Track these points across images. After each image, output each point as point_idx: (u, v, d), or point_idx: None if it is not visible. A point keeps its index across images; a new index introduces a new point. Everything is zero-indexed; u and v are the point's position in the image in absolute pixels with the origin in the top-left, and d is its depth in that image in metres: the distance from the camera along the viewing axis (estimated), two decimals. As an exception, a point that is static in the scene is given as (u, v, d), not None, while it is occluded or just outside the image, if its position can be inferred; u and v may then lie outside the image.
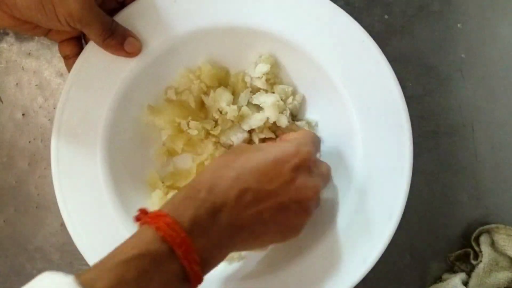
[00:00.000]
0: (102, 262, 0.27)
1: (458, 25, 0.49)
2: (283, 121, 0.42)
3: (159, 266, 0.27)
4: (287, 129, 0.44)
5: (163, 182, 0.44)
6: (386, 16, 0.49)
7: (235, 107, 0.42)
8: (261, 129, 0.43)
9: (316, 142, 0.38)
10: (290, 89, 0.44)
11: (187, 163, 0.45)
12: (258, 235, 0.32)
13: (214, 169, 0.32)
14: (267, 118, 0.42)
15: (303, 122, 0.44)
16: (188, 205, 0.29)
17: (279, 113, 0.43)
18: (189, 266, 0.28)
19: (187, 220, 0.29)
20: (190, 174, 0.45)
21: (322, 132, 0.44)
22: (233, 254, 0.41)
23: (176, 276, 0.28)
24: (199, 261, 0.29)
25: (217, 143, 0.44)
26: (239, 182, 0.31)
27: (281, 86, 0.44)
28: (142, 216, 0.30)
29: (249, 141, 0.44)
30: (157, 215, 0.29)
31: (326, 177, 0.37)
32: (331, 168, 0.38)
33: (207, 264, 0.30)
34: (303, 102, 0.45)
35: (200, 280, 0.29)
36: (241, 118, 0.43)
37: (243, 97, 0.44)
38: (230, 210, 0.30)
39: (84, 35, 0.41)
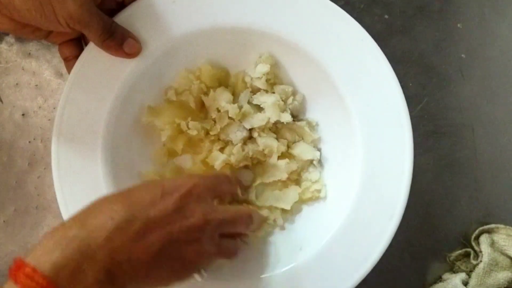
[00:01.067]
0: None
1: (458, 25, 0.49)
2: (286, 118, 0.42)
3: None
4: (289, 127, 0.44)
5: None
6: (386, 16, 0.49)
7: (235, 105, 0.43)
8: (261, 128, 0.43)
9: (217, 181, 0.36)
10: (290, 89, 0.44)
11: (187, 163, 0.45)
12: (148, 273, 0.29)
13: (94, 204, 0.29)
14: (269, 119, 0.42)
15: (304, 122, 0.44)
16: (54, 247, 0.26)
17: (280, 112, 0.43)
18: None
19: (49, 265, 0.25)
20: (190, 173, 0.45)
21: (323, 132, 0.44)
22: None
23: None
24: None
25: (217, 140, 0.44)
26: (122, 212, 0.28)
27: (281, 86, 0.44)
28: (11, 269, 0.26)
29: (249, 138, 0.44)
30: (18, 266, 0.25)
31: (231, 217, 0.34)
32: (255, 215, 0.36)
33: None
34: (303, 102, 0.45)
35: None
36: (243, 116, 0.43)
37: (243, 97, 0.44)
38: (108, 245, 0.27)
39: (83, 36, 0.41)
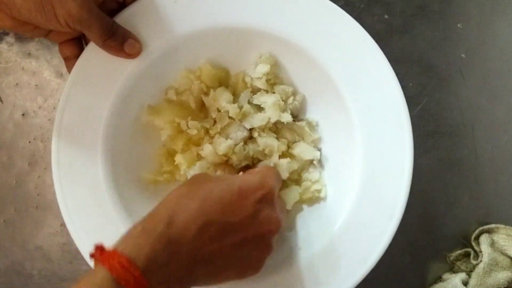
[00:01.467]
0: None
1: (458, 25, 0.49)
2: (287, 118, 0.42)
3: None
4: (289, 127, 0.44)
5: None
6: (386, 16, 0.49)
7: (235, 105, 0.43)
8: (262, 128, 0.43)
9: (278, 177, 0.37)
10: (291, 89, 0.44)
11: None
12: (219, 271, 0.31)
13: (175, 199, 0.31)
14: (269, 119, 0.42)
15: (304, 122, 0.44)
16: (145, 241, 0.28)
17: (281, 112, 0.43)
18: None
19: (143, 258, 0.27)
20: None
21: (323, 132, 0.44)
22: None
23: None
24: None
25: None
26: (201, 214, 0.29)
27: (281, 87, 0.44)
28: (97, 254, 0.28)
29: (250, 138, 0.44)
30: (111, 254, 0.27)
31: (285, 213, 0.36)
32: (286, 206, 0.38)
33: None
34: (303, 102, 0.45)
35: None
36: (243, 116, 0.43)
37: (243, 97, 0.44)
38: (191, 245, 0.29)
39: (84, 35, 0.41)
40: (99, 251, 0.28)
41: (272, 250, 0.34)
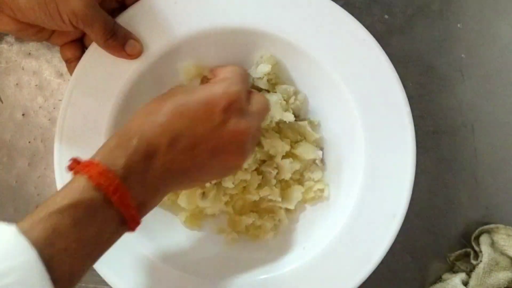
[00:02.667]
0: (35, 213, 0.27)
1: (458, 25, 0.49)
2: (289, 117, 0.42)
3: (95, 214, 0.28)
4: (291, 126, 0.44)
5: None
6: (386, 16, 0.49)
7: None
8: (266, 129, 0.43)
9: (244, 78, 0.38)
10: (292, 88, 0.44)
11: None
12: (194, 178, 0.33)
13: (144, 115, 0.32)
14: (272, 118, 0.42)
15: (306, 122, 0.44)
16: (121, 153, 0.30)
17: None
18: (126, 211, 0.29)
19: (120, 167, 0.29)
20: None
21: (325, 131, 0.44)
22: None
23: (113, 221, 0.29)
24: (136, 205, 0.29)
25: None
26: (169, 128, 0.31)
27: (283, 86, 0.44)
28: (75, 166, 0.30)
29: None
30: (89, 164, 0.29)
31: (261, 112, 0.37)
32: (267, 99, 0.38)
33: (144, 207, 0.31)
34: (305, 102, 0.45)
35: (137, 223, 0.30)
36: None
37: None
38: (164, 156, 0.31)
39: (85, 38, 0.41)
40: (76, 163, 0.30)
41: (249, 154, 0.35)
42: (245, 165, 0.42)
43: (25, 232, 0.26)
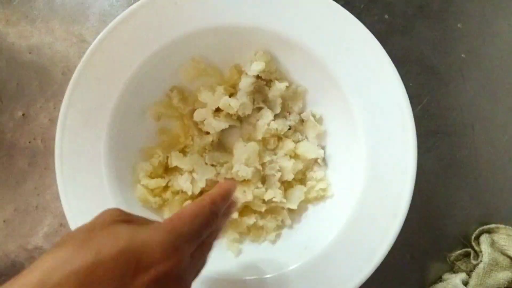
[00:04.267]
0: None
1: (458, 25, 0.49)
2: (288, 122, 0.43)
3: None
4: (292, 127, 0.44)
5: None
6: (386, 16, 0.49)
7: (235, 100, 0.43)
8: (267, 133, 0.44)
9: (198, 236, 0.27)
10: (285, 84, 0.44)
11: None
12: None
13: (47, 268, 0.24)
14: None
15: (309, 113, 0.44)
16: None
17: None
18: None
19: None
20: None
21: (326, 131, 0.44)
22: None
23: None
24: None
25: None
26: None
27: (276, 83, 0.44)
28: None
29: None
30: None
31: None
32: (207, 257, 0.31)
33: None
34: (306, 96, 0.45)
35: None
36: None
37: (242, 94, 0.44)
38: None
39: None
40: None
41: None
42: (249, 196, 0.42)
43: None
